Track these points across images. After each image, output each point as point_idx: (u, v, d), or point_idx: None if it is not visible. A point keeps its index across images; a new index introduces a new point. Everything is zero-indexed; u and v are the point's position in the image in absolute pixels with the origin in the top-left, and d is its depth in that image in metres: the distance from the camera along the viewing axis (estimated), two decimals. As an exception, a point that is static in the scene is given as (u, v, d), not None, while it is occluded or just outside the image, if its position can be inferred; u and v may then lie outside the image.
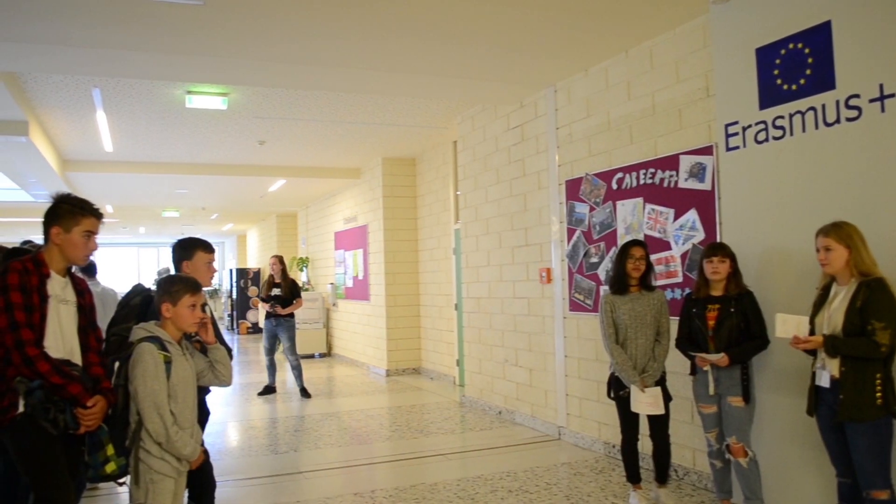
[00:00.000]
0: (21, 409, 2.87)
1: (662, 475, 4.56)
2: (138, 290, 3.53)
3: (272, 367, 9.53)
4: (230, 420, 8.01)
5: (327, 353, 14.19)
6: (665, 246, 5.27)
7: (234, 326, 20.80)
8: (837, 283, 3.47)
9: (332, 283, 14.12)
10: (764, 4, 4.23)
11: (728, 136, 4.46)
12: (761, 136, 4.23)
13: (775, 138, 4.15)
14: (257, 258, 22.71)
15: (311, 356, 13.91)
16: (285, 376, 9.69)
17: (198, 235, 3.91)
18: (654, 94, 5.40)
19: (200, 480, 3.45)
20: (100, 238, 3.20)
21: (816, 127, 3.91)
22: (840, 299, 3.41)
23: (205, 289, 3.35)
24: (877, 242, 3.43)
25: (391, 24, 4.90)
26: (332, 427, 7.43)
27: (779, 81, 4.12)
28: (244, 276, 20.50)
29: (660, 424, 4.48)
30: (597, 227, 6.01)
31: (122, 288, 4.54)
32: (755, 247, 4.28)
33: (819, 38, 3.88)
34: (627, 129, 5.67)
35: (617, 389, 4.55)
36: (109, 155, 10.01)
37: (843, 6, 3.78)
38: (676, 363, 4.60)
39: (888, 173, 3.58)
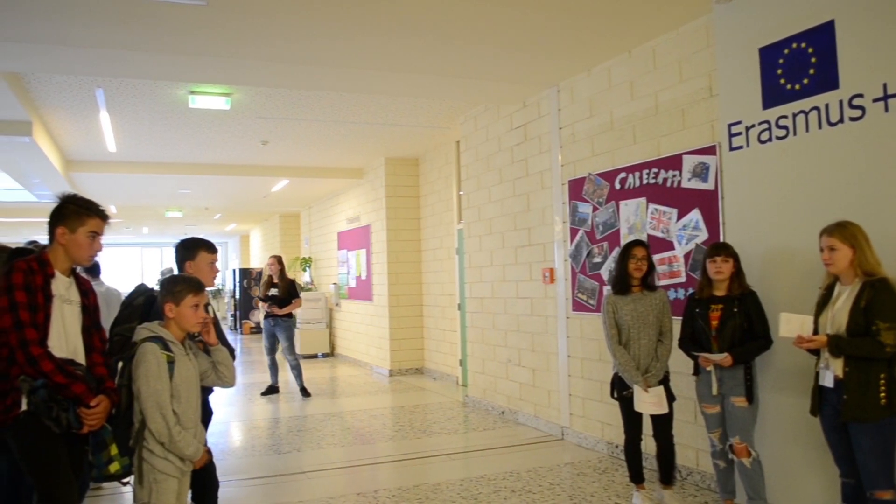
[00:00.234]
0: (24, 407, 2.87)
1: (667, 476, 4.55)
2: (141, 290, 3.54)
3: (274, 367, 9.55)
4: (233, 420, 8.02)
5: (330, 354, 14.20)
6: (668, 246, 5.26)
7: (238, 326, 20.84)
8: (841, 283, 3.46)
9: (335, 283, 14.13)
10: (767, 4, 4.23)
11: (731, 135, 4.46)
12: (765, 136, 4.23)
13: (779, 138, 4.14)
14: (260, 258, 22.71)
15: (315, 356, 13.92)
16: (287, 376, 9.71)
17: (201, 235, 3.92)
18: (657, 94, 5.39)
19: (203, 480, 3.45)
20: (103, 238, 3.20)
21: (820, 127, 3.91)
22: (844, 299, 3.40)
23: (208, 289, 3.36)
24: (880, 242, 3.42)
25: (394, 24, 4.90)
26: (335, 427, 7.43)
27: (782, 81, 4.11)
28: (247, 276, 20.52)
29: (663, 424, 4.48)
30: (600, 226, 6.01)
31: (125, 288, 4.55)
32: (758, 246, 4.28)
33: (822, 37, 3.88)
34: (630, 128, 5.67)
35: (620, 389, 4.55)
36: (113, 155, 10.03)
37: (847, 6, 3.77)
38: (679, 363, 4.59)
39: (892, 173, 3.57)
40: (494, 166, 7.74)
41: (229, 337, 4.14)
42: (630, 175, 5.64)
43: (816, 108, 3.92)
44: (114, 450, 2.93)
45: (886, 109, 3.57)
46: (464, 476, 5.47)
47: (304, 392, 9.29)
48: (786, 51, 4.09)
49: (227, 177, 11.61)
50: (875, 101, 3.62)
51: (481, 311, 8.04)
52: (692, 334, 4.26)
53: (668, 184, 5.26)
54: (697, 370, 4.26)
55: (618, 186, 5.78)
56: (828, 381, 3.41)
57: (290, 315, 9.45)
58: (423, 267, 11.05)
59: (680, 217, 5.17)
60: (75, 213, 3.07)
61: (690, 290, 4.70)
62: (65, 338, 3.00)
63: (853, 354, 3.29)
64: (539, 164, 6.90)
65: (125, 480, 3.02)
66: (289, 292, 9.49)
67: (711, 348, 4.10)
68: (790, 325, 3.53)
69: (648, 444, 4.68)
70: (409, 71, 6.06)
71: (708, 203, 4.92)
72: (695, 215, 5.04)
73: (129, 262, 29.35)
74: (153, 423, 2.88)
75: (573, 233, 6.35)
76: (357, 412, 8.23)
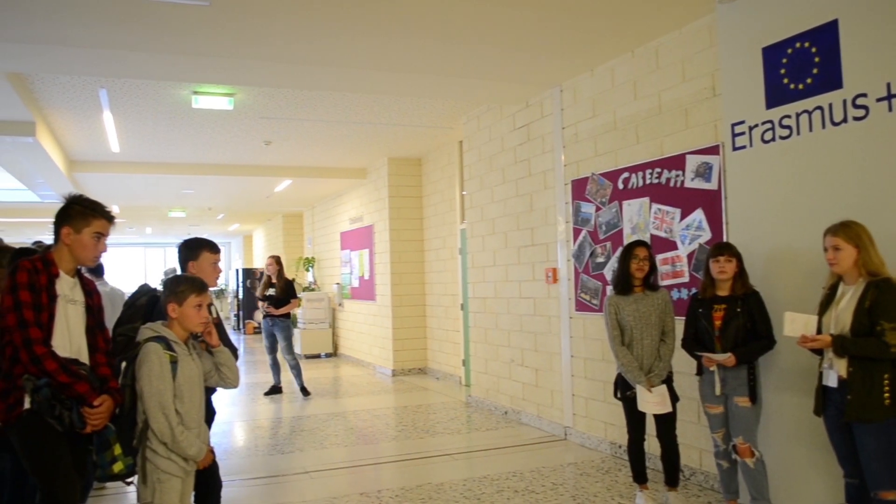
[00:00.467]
0: (27, 405, 2.88)
1: (672, 478, 4.54)
2: (144, 291, 3.54)
3: (276, 367, 9.56)
4: (236, 420, 8.03)
5: (333, 353, 14.21)
6: (671, 246, 5.26)
7: (241, 326, 20.87)
8: (845, 283, 3.45)
9: (337, 283, 14.14)
10: (770, 3, 4.22)
11: (735, 135, 4.45)
12: (768, 136, 4.22)
13: (782, 138, 4.14)
14: (263, 258, 22.72)
15: (318, 356, 13.93)
16: (289, 376, 9.72)
17: (204, 236, 3.92)
18: (660, 94, 5.39)
19: (206, 480, 3.45)
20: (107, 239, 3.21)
21: (823, 126, 3.90)
22: (848, 299, 3.39)
23: (211, 289, 3.36)
24: (884, 242, 3.42)
25: (396, 24, 4.90)
26: (337, 427, 7.44)
27: (785, 81, 4.11)
28: (250, 277, 20.55)
29: (667, 424, 4.48)
30: (603, 226, 6.00)
31: (128, 288, 4.56)
32: (761, 246, 4.27)
33: (826, 37, 3.87)
34: (633, 128, 5.66)
35: (624, 390, 4.54)
36: (116, 155, 10.05)
37: (850, 5, 3.76)
38: (682, 363, 4.59)
39: (895, 172, 3.56)
40: (497, 166, 7.74)
41: (232, 337, 4.14)
42: (633, 175, 5.64)
43: (820, 107, 3.91)
44: (118, 449, 2.94)
45: (890, 109, 3.56)
46: (467, 476, 5.47)
47: (304, 391, 9.31)
48: (789, 50, 4.09)
49: (231, 177, 11.62)
50: (879, 100, 3.61)
51: (484, 311, 8.03)
52: (695, 334, 4.26)
53: (672, 184, 5.26)
54: (701, 370, 4.25)
55: (621, 186, 5.78)
56: (832, 381, 3.40)
57: (287, 315, 9.47)
58: (426, 267, 11.06)
59: (683, 217, 5.17)
60: (81, 213, 3.08)
61: (694, 290, 4.70)
62: (69, 338, 3.01)
63: (858, 354, 3.29)
64: (542, 163, 6.89)
65: (129, 480, 3.02)
66: (286, 292, 9.51)
67: (715, 348, 4.10)
68: (794, 324, 3.52)
69: (652, 445, 4.68)
70: (411, 71, 6.06)
71: (711, 203, 4.92)
72: (698, 215, 5.03)
73: (133, 263, 29.39)
74: (156, 422, 2.88)
75: (576, 233, 6.35)
76: (360, 412, 8.23)
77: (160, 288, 3.42)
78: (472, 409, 8.16)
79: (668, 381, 4.47)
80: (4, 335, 2.89)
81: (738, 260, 4.10)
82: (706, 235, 4.96)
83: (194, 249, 3.61)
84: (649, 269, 4.53)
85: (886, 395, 3.22)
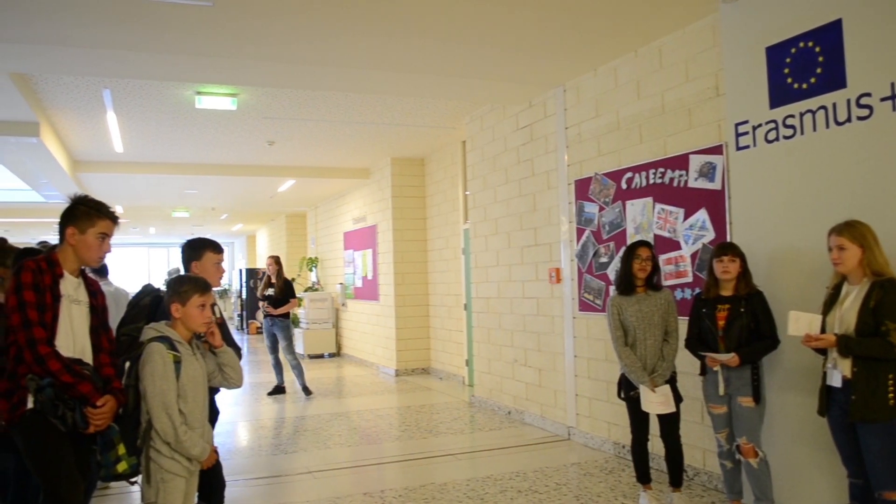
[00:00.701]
0: (30, 405, 2.88)
1: (676, 479, 4.53)
2: (148, 291, 3.55)
3: (278, 366, 9.58)
4: (240, 420, 8.04)
5: (336, 353, 14.22)
6: (675, 246, 5.25)
7: (244, 326, 20.90)
8: (849, 283, 3.44)
9: (341, 283, 14.15)
10: (774, 3, 4.21)
11: (738, 135, 4.44)
12: (772, 136, 4.21)
13: (786, 137, 4.13)
14: (266, 258, 22.76)
15: (321, 356, 13.94)
16: (293, 376, 9.73)
17: (207, 236, 3.93)
18: (663, 94, 5.38)
19: (210, 480, 3.46)
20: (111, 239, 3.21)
21: (827, 126, 3.89)
22: (852, 299, 3.38)
23: (214, 289, 3.37)
24: (889, 242, 3.41)
25: (397, 24, 4.91)
26: (341, 427, 7.44)
27: (789, 80, 4.10)
28: (254, 277, 20.57)
29: (670, 425, 4.47)
30: (606, 226, 6.00)
31: (132, 288, 4.57)
32: (765, 246, 4.26)
33: (830, 36, 3.86)
34: (637, 128, 5.66)
35: (627, 390, 4.54)
36: (120, 155, 10.07)
37: (854, 4, 3.75)
38: (686, 363, 4.58)
39: (900, 172, 3.56)
40: (500, 166, 7.74)
41: (235, 337, 4.14)
42: (636, 175, 5.63)
43: (824, 107, 3.90)
44: (121, 449, 2.94)
45: (894, 108, 3.55)
46: (470, 476, 5.47)
47: (306, 391, 9.32)
48: (793, 50, 4.08)
49: (234, 177, 11.64)
50: (883, 100, 3.60)
51: (487, 311, 8.03)
52: (699, 334, 4.25)
53: (675, 183, 5.25)
54: (704, 370, 4.25)
55: (624, 186, 5.77)
56: (836, 381, 3.39)
57: (287, 315, 9.48)
58: (429, 267, 11.06)
59: (687, 217, 5.16)
60: (85, 214, 3.09)
61: (697, 290, 4.69)
62: (72, 338, 3.01)
63: (862, 354, 3.28)
64: (545, 163, 6.89)
65: (133, 480, 3.03)
66: (285, 292, 9.54)
67: (718, 348, 4.09)
68: (799, 323, 3.51)
69: (655, 445, 4.67)
70: (412, 71, 6.06)
71: (715, 203, 4.91)
72: (701, 215, 5.03)
73: (136, 263, 29.44)
74: (159, 422, 2.89)
75: (579, 233, 6.34)
76: (363, 412, 8.24)
77: (164, 288, 3.43)
78: (476, 409, 8.16)
79: (672, 381, 4.46)
80: (9, 335, 2.90)
81: (742, 260, 4.10)
82: (710, 235, 4.95)
83: (198, 249, 3.62)
84: (652, 269, 4.52)
85: (891, 395, 3.21)
